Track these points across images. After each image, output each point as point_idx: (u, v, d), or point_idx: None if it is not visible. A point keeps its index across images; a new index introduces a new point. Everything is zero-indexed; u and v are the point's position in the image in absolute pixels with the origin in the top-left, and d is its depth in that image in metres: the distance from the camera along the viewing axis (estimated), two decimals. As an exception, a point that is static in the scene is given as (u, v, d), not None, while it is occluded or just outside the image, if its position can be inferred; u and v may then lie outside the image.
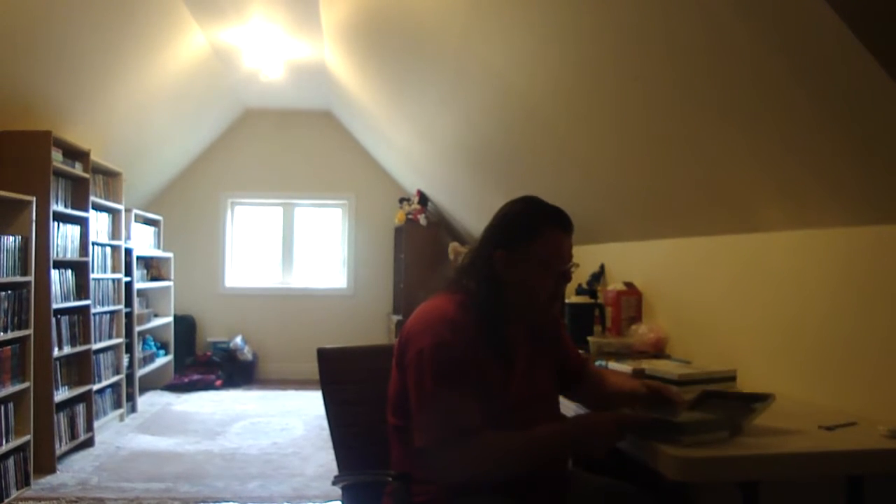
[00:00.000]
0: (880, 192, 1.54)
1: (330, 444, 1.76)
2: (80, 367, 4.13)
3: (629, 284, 2.92)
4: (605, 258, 3.31)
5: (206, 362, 6.29)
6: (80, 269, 4.16)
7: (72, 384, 4.01)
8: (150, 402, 5.53)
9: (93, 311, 4.26)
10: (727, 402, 1.56)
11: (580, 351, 1.81)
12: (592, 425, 1.43)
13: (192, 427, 4.75)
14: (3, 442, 3.20)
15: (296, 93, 6.07)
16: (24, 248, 3.42)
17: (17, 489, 3.32)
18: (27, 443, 3.39)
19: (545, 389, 1.61)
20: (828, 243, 1.80)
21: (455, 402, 1.39)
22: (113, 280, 4.73)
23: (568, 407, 1.82)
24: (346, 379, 1.79)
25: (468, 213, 5.56)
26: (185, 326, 6.47)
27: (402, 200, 6.42)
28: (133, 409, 5.11)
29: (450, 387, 1.40)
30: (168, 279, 6.19)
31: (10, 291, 3.29)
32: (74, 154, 4.10)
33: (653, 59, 1.86)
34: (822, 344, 1.81)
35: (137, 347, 5.31)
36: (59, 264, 3.89)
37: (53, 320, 3.72)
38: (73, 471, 3.72)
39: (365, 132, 6.43)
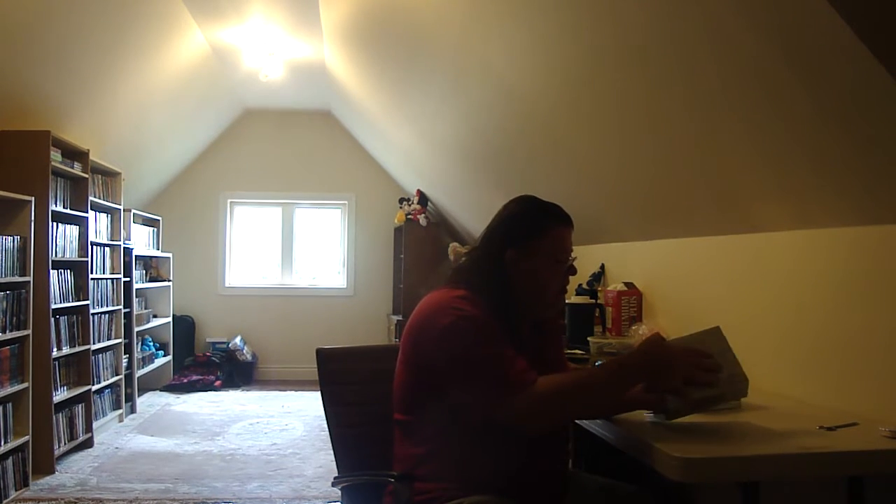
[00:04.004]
0: (882, 191, 1.53)
1: (329, 444, 1.76)
2: (79, 368, 4.12)
3: (629, 284, 2.92)
4: (605, 258, 3.31)
5: (205, 363, 6.29)
6: (78, 269, 4.15)
7: (71, 384, 4.01)
8: (149, 402, 5.52)
9: (92, 311, 4.26)
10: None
11: (578, 352, 1.82)
12: (658, 352, 1.41)
13: (192, 428, 4.74)
14: (2, 443, 3.20)
15: (296, 93, 6.06)
16: (22, 248, 3.42)
17: (16, 490, 3.31)
18: (26, 443, 3.38)
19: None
20: (829, 243, 1.80)
21: (501, 356, 1.39)
22: (112, 280, 4.73)
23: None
24: (345, 380, 1.78)
25: (468, 213, 5.55)
26: (185, 327, 6.47)
27: (402, 200, 6.41)
28: (132, 410, 5.11)
29: (489, 346, 1.40)
30: (167, 279, 6.19)
31: (8, 292, 3.29)
32: (73, 154, 4.10)
33: (653, 58, 1.86)
34: (823, 344, 1.81)
35: (136, 348, 5.30)
36: (58, 264, 3.88)
37: (52, 320, 3.72)
38: (72, 471, 3.72)
39: (365, 132, 6.43)
